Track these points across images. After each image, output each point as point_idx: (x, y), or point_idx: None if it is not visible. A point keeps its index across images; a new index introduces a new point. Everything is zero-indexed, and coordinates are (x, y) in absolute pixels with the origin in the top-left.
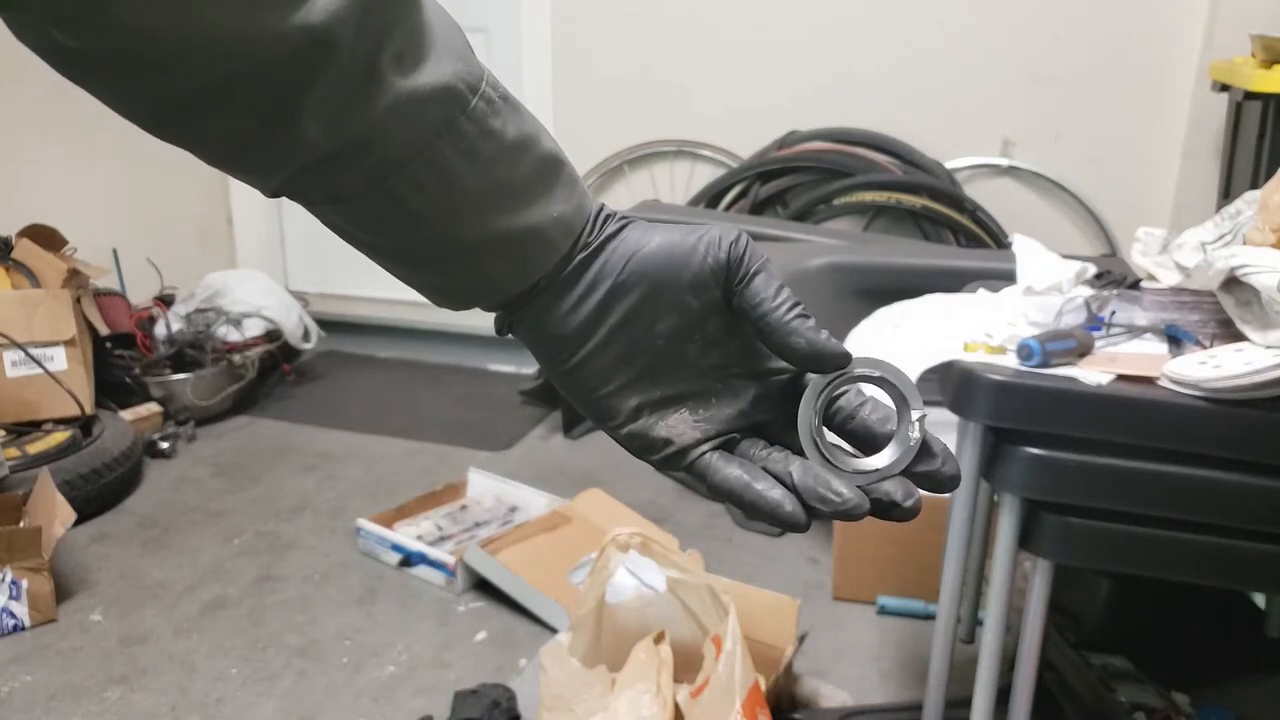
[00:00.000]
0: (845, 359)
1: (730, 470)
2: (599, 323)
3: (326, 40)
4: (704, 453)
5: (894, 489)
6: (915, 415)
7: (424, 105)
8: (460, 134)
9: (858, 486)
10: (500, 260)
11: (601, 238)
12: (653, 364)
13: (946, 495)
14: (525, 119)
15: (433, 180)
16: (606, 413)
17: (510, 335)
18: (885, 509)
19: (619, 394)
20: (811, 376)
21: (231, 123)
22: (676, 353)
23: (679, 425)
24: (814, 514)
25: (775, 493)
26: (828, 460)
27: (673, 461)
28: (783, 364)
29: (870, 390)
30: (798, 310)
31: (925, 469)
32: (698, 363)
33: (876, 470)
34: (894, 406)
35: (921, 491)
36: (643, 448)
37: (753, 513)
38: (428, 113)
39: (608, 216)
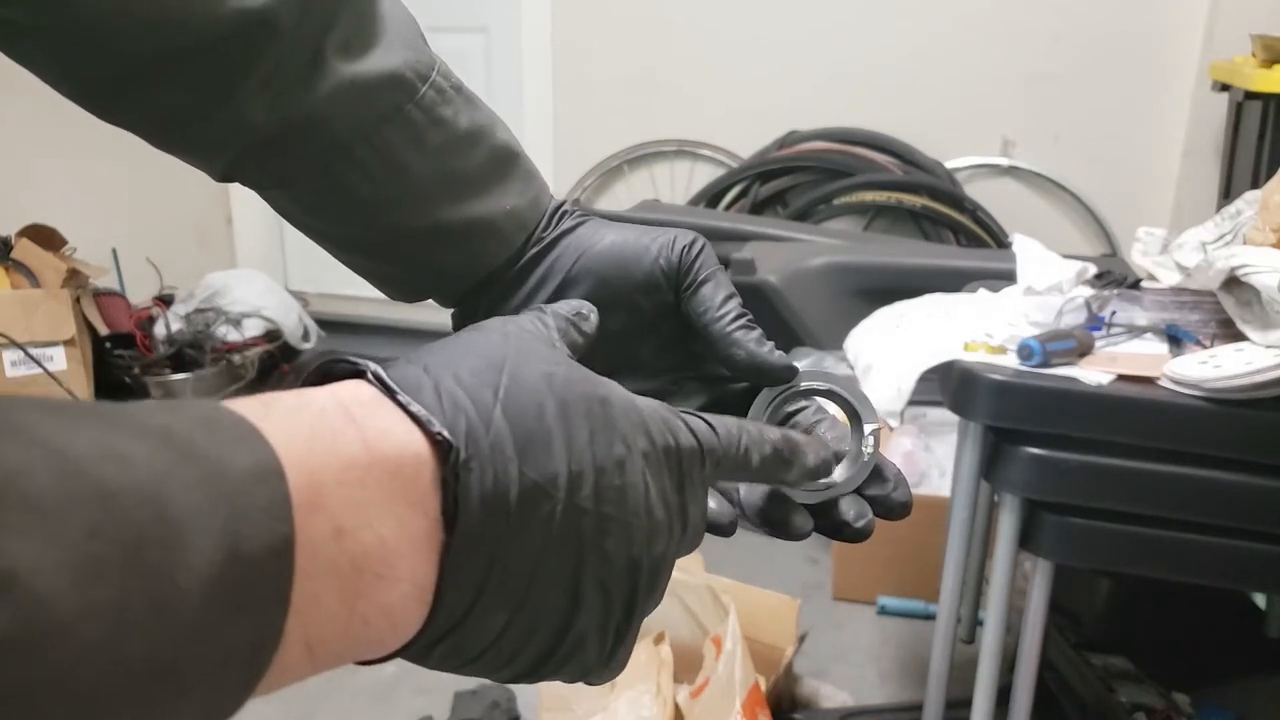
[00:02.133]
0: (788, 373)
1: None
2: None
3: (267, 22)
4: None
5: (846, 508)
6: (869, 429)
7: (370, 91)
8: (408, 121)
9: (808, 504)
10: (451, 251)
11: (556, 233)
12: (604, 364)
13: (946, 495)
14: (479, 110)
15: (380, 167)
16: None
17: None
18: (836, 529)
19: None
20: (762, 389)
21: (172, 100)
22: (629, 352)
23: None
24: (759, 530)
25: (709, 501)
26: None
27: None
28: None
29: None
30: (742, 321)
31: (876, 493)
32: (651, 364)
33: (830, 488)
34: (847, 422)
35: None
36: None
37: None
38: (374, 99)
39: (565, 213)
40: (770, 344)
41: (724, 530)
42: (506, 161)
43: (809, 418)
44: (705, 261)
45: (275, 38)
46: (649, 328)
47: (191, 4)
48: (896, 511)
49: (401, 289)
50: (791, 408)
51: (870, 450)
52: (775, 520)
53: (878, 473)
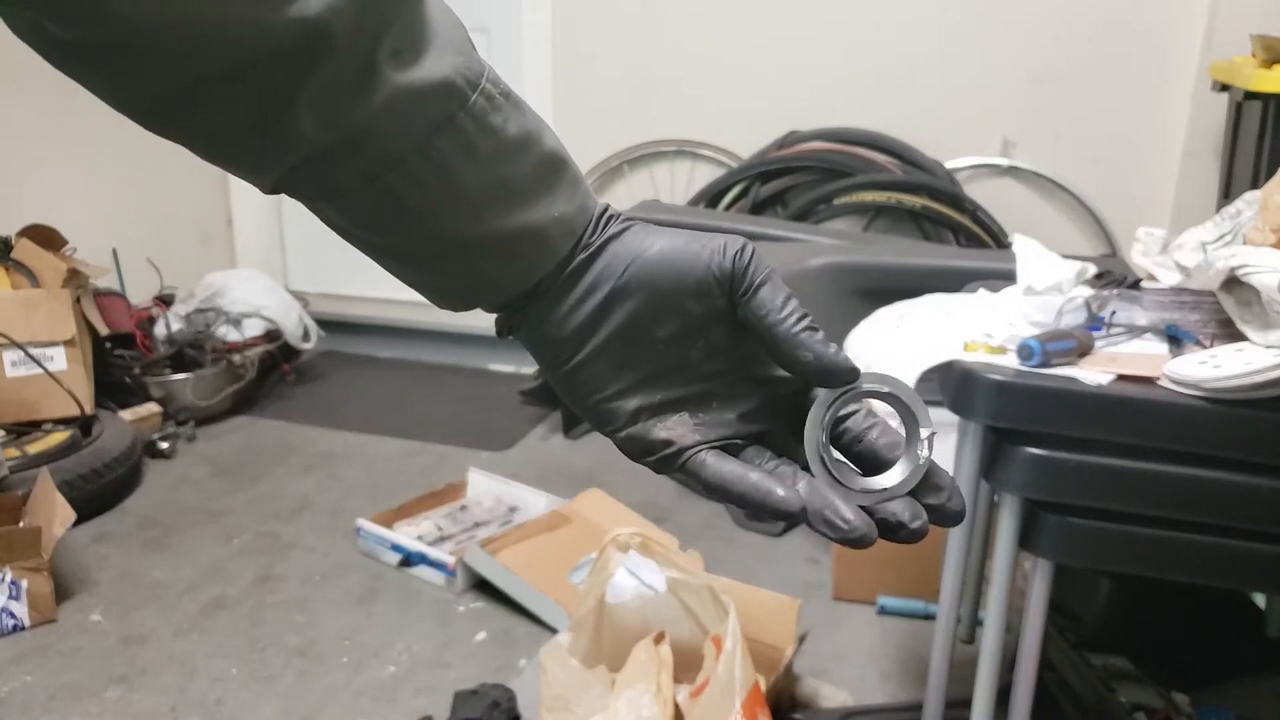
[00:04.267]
0: (853, 374)
1: (725, 465)
2: (598, 325)
3: (322, 33)
4: (700, 451)
5: (901, 510)
6: (925, 434)
7: (422, 100)
8: (459, 130)
9: (864, 506)
10: (500, 260)
11: (603, 239)
12: (653, 368)
13: None
14: (528, 117)
15: (431, 177)
16: (605, 417)
17: (511, 337)
18: (891, 530)
19: (618, 397)
20: (819, 391)
21: (227, 116)
22: (678, 356)
23: (679, 427)
24: (822, 533)
25: (769, 482)
26: (834, 478)
27: (670, 462)
28: (790, 375)
29: (878, 407)
30: (805, 323)
31: (932, 502)
32: (700, 367)
33: (884, 490)
34: (902, 425)
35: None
36: (641, 450)
37: (746, 504)
38: (426, 108)
39: (610, 217)
40: (834, 345)
41: (796, 516)
42: (554, 168)
43: (859, 423)
44: (759, 265)
45: (330, 48)
46: (698, 332)
47: (247, 17)
48: (951, 520)
49: (449, 298)
50: (845, 411)
51: (925, 455)
52: (832, 522)
53: (933, 482)
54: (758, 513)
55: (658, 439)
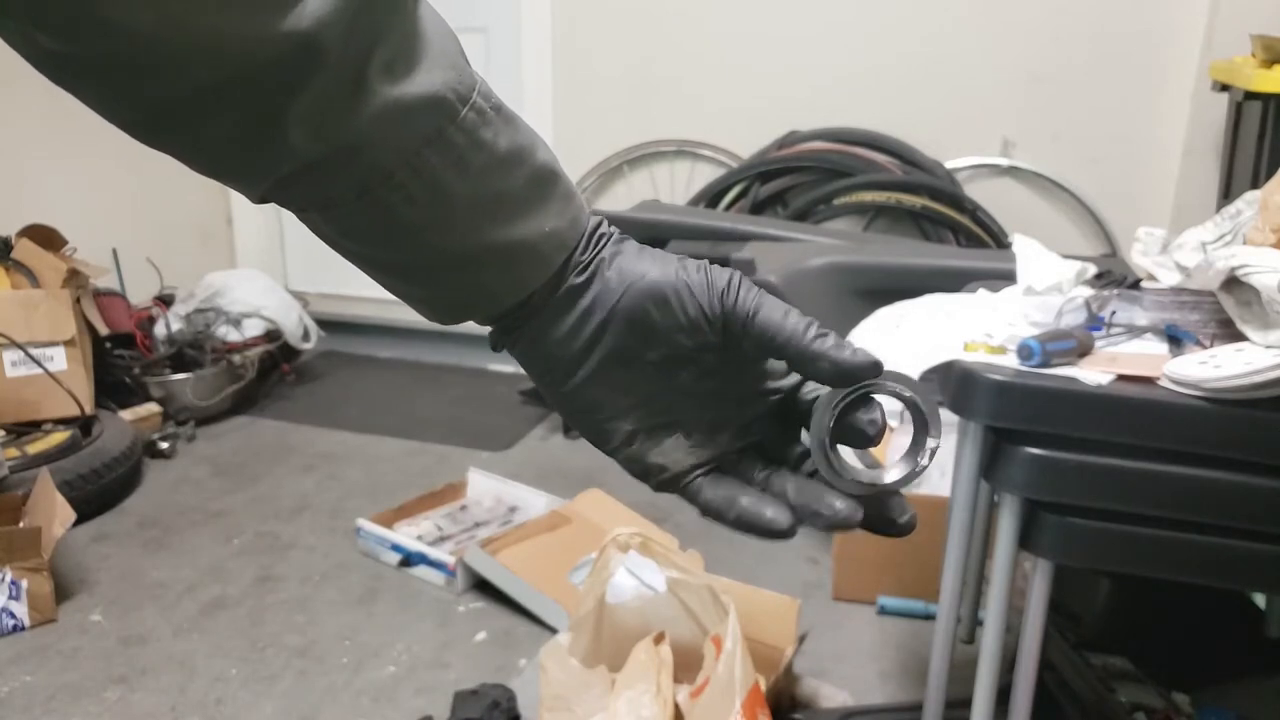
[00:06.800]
0: (876, 369)
1: (717, 491)
2: (591, 351)
3: (314, 46)
4: (695, 478)
5: (892, 505)
6: (931, 445)
7: (412, 114)
8: (449, 144)
9: (858, 496)
10: (491, 273)
11: (596, 257)
12: (646, 391)
13: (946, 495)
14: (520, 131)
15: (421, 190)
16: (602, 436)
17: (505, 351)
18: (882, 524)
19: (613, 419)
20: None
21: (216, 128)
22: (669, 379)
23: (673, 451)
24: (811, 524)
25: (758, 505)
26: (832, 467)
27: (667, 486)
28: (778, 384)
29: (891, 405)
30: (814, 331)
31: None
32: (691, 388)
33: (879, 484)
34: (911, 427)
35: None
36: (639, 472)
37: (739, 527)
38: (416, 122)
39: (603, 234)
40: (849, 345)
41: (786, 534)
42: (546, 182)
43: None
44: (747, 293)
45: (321, 62)
46: (690, 359)
47: (238, 29)
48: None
49: (438, 310)
50: (856, 413)
51: (925, 462)
52: (818, 511)
53: (892, 507)
54: (751, 533)
55: (653, 464)
